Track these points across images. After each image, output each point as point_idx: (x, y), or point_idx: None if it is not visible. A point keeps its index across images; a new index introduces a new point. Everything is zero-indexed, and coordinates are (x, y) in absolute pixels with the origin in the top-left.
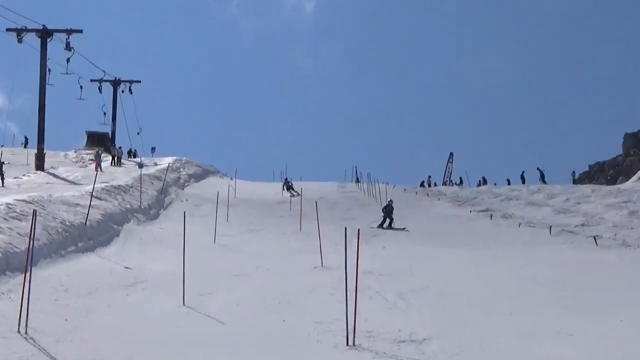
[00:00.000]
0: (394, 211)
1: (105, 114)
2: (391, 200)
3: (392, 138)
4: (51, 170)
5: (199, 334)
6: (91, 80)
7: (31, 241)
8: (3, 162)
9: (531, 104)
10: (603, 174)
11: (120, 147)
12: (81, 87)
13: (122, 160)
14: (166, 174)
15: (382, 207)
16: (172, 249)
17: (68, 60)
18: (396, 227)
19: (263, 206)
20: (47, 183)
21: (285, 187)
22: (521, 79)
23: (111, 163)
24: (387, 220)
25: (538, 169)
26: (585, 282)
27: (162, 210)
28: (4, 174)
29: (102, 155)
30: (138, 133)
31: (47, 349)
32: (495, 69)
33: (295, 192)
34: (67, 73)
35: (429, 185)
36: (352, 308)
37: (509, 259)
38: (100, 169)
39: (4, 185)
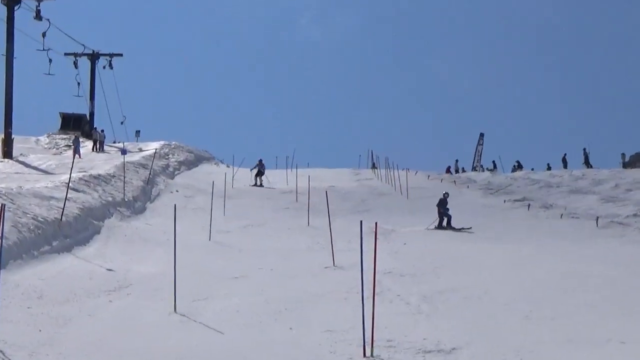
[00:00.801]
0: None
1: (79, 84)
2: (446, 194)
3: (413, 117)
4: (21, 158)
5: (193, 346)
6: (65, 54)
7: None
8: None
9: (574, 76)
10: None
11: (102, 130)
12: (50, 60)
13: (105, 146)
14: (153, 161)
15: (436, 203)
16: (160, 248)
17: (44, 34)
18: (458, 226)
19: (265, 197)
20: (17, 173)
21: (256, 172)
22: (562, 47)
23: (93, 148)
24: (445, 218)
25: (584, 150)
26: (639, 282)
27: (148, 203)
28: None
29: (80, 140)
30: (122, 122)
31: None
32: (532, 36)
33: (261, 181)
34: (43, 49)
35: (457, 172)
36: (369, 314)
37: (550, 256)
38: (79, 155)
39: None
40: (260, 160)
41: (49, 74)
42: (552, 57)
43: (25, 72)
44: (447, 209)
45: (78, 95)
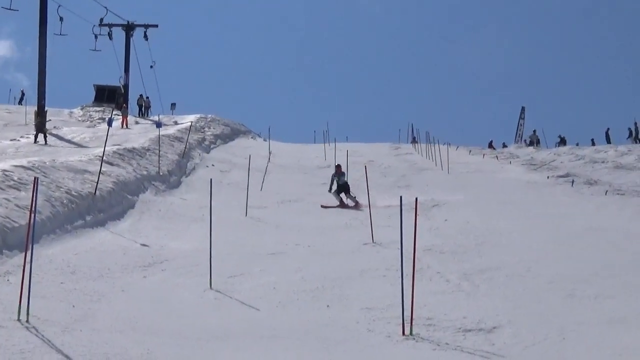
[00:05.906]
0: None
1: (96, 36)
2: None
3: (453, 91)
4: (54, 131)
5: (228, 323)
6: (100, 25)
7: (32, 214)
8: (48, 120)
9: (618, 46)
10: None
11: (147, 97)
12: (61, 18)
13: (137, 119)
14: (188, 135)
15: None
16: (196, 224)
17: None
18: None
19: (303, 172)
20: (50, 146)
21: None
22: (606, 17)
23: (138, 114)
24: None
25: (635, 124)
26: None
27: (184, 177)
28: (46, 132)
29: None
30: (151, 66)
31: (52, 340)
32: (575, 5)
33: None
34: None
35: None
36: (408, 292)
37: (595, 233)
38: (127, 124)
39: (47, 143)
40: (339, 167)
41: (60, 34)
42: (594, 28)
43: (60, 45)
44: None
45: (95, 50)
